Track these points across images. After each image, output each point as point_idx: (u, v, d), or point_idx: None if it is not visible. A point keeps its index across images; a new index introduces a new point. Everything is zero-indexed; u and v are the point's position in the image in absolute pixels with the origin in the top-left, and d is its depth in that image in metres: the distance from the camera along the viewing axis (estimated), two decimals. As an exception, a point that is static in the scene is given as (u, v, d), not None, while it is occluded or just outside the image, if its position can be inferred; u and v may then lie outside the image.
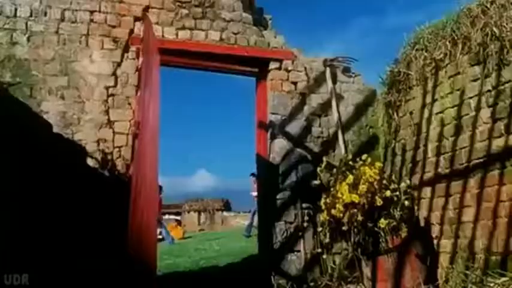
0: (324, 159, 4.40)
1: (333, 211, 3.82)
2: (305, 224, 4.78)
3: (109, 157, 4.47)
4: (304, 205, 4.93)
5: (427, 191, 4.58)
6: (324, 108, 5.39)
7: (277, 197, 4.99)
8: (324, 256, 4.51)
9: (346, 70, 5.65)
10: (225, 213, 23.44)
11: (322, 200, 4.10)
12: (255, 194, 12.21)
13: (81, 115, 4.49)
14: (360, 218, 3.67)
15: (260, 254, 5.29)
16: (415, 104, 4.90)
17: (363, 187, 3.68)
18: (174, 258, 8.11)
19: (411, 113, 4.95)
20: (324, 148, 5.24)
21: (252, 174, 12.42)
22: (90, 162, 4.43)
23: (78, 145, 4.42)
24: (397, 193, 3.89)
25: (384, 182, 3.88)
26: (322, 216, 4.09)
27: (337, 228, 3.91)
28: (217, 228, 19.89)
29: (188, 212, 27.83)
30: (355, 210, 3.71)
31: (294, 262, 4.89)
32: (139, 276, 3.68)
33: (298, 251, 4.90)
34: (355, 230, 3.78)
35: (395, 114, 5.19)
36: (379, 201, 3.73)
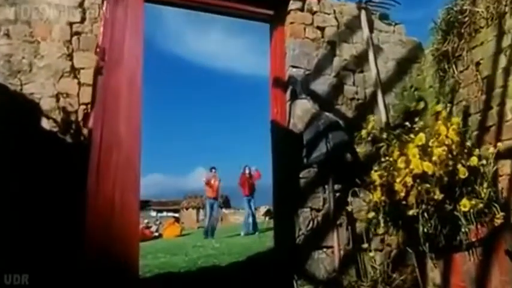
0: (371, 118, 3.17)
1: (396, 186, 2.59)
2: (344, 213, 3.53)
3: (72, 117, 3.22)
4: (336, 186, 3.72)
5: (506, 165, 3.36)
6: (359, 62, 4.17)
7: (301, 175, 3.76)
8: (372, 253, 3.27)
9: (384, 17, 4.44)
10: (224, 210, 22.43)
11: (374, 174, 2.87)
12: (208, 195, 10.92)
13: (33, 60, 3.25)
14: (438, 196, 2.44)
15: (277, 251, 4.07)
16: (483, 51, 3.68)
17: (440, 151, 2.45)
18: (169, 257, 7.23)
19: (478, 64, 3.74)
20: (360, 112, 4.01)
21: (212, 169, 11.10)
22: (45, 124, 3.20)
23: (29, 100, 3.19)
24: (484, 162, 2.67)
25: (468, 144, 2.66)
26: (376, 196, 2.87)
27: (396, 213, 2.69)
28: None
29: (186, 209, 26.97)
30: (428, 185, 2.49)
31: (323, 261, 3.67)
32: (108, 278, 2.48)
33: (329, 247, 3.69)
34: (426, 214, 2.55)
35: (453, 68, 3.97)
36: (462, 173, 2.52)
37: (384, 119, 3.88)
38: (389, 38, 4.38)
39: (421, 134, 2.67)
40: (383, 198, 2.80)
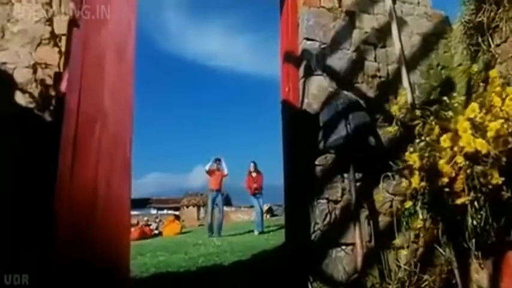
0: (403, 92, 2.70)
1: (444, 168, 2.11)
2: (365, 205, 3.06)
3: (52, 92, 2.77)
4: (357, 175, 3.24)
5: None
6: (381, 35, 3.70)
7: (316, 162, 3.29)
8: (405, 252, 2.80)
9: (407, -13, 3.96)
10: (225, 208, 22.02)
11: (411, 157, 2.39)
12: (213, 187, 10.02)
13: (6, 24, 2.78)
14: (497, 180, 1.98)
15: (288, 249, 3.60)
16: (526, 19, 3.22)
17: (498, 126, 1.97)
18: (168, 255, 6.84)
19: (519, 34, 3.27)
20: (382, 92, 3.54)
21: (217, 160, 10.25)
22: (20, 99, 2.73)
23: (1, 71, 2.72)
24: (545, 140, 2.19)
25: (529, 117, 2.18)
26: (414, 182, 2.39)
27: (437, 203, 2.22)
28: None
29: (187, 207, 26.63)
30: (480, 167, 2.02)
31: (342, 261, 3.20)
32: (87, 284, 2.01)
33: (349, 244, 3.22)
34: (476, 203, 2.09)
35: (488, 41, 3.49)
36: (524, 152, 2.05)
37: (409, 99, 3.40)
38: (413, 10, 3.91)
39: (474, 104, 2.20)
40: (423, 184, 2.33)
